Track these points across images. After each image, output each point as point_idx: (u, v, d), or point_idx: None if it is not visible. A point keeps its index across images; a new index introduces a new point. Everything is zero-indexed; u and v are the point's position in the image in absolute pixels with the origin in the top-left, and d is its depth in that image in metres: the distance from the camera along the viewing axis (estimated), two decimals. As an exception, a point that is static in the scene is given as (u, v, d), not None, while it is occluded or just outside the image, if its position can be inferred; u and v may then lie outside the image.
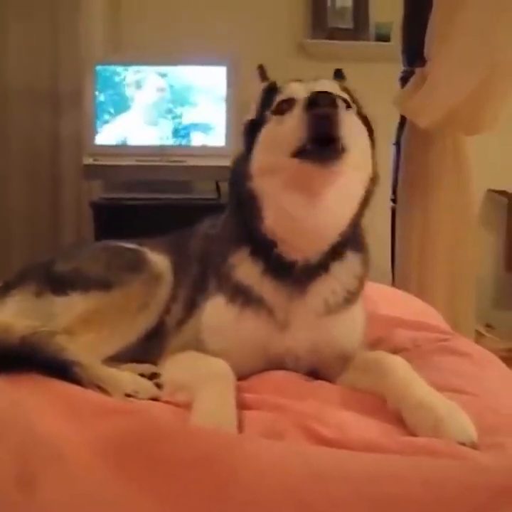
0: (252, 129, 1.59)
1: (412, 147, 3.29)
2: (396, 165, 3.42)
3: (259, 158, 1.53)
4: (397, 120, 3.45)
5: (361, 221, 1.63)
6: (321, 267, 1.57)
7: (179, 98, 4.09)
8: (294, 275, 1.56)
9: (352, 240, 1.60)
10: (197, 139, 4.06)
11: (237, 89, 3.92)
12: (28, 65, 4.41)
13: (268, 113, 1.55)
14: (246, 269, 1.60)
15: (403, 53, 3.39)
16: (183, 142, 4.07)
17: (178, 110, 4.09)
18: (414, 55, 3.24)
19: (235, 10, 4.45)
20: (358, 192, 1.53)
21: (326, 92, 1.39)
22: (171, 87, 4.09)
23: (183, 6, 4.41)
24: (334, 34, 4.58)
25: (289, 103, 1.49)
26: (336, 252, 1.57)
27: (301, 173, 1.44)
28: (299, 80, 1.58)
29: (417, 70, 3.19)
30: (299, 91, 1.50)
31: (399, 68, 3.48)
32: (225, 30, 4.30)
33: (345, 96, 1.53)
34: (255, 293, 1.58)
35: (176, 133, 4.08)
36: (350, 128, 1.42)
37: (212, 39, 4.22)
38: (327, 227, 1.53)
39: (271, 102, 1.57)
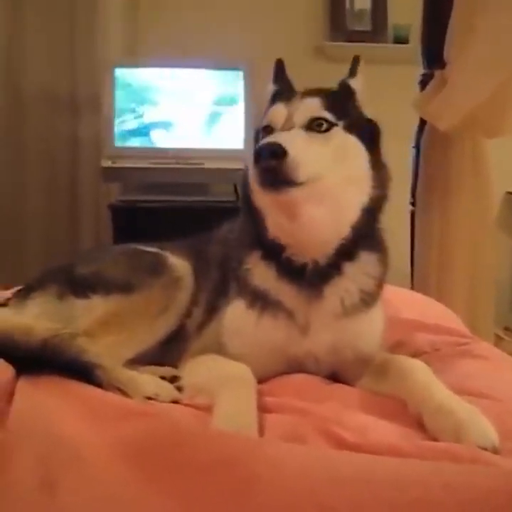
0: (256, 137, 1.63)
1: (432, 150, 3.27)
2: (415, 168, 3.40)
3: (252, 177, 1.54)
4: (416, 123, 3.43)
5: (377, 222, 1.63)
6: (333, 268, 1.58)
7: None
8: (308, 278, 1.57)
9: (367, 240, 1.60)
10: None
11: (254, 92, 3.92)
12: (46, 68, 4.43)
13: (259, 136, 1.59)
14: (261, 273, 1.62)
15: (422, 56, 3.37)
16: (201, 145, 4.08)
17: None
18: (434, 57, 3.23)
19: (253, 13, 4.45)
20: (352, 201, 1.54)
21: (273, 144, 1.40)
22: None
23: (201, 9, 4.42)
24: (352, 36, 4.58)
25: (267, 130, 1.56)
26: (347, 253, 1.58)
27: (269, 198, 1.49)
28: (289, 97, 1.60)
29: (437, 73, 3.18)
30: (278, 117, 1.55)
31: (417, 71, 3.46)
32: (243, 33, 4.30)
33: (326, 115, 1.52)
34: (273, 297, 1.60)
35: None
36: (319, 153, 1.47)
37: (230, 42, 4.23)
38: (323, 236, 1.55)
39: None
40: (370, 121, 1.62)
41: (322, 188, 1.47)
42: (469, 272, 3.26)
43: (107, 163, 4.00)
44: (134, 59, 4.40)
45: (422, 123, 3.36)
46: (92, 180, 4.41)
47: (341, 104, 1.59)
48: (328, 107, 1.54)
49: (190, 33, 4.31)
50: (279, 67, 1.77)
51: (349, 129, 1.54)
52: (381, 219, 1.65)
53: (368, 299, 1.62)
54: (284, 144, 1.39)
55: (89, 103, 4.33)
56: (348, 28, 4.63)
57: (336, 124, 1.53)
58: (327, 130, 1.51)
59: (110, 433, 1.18)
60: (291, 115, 1.53)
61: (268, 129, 1.56)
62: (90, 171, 4.40)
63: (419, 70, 3.44)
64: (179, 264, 1.80)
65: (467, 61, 2.87)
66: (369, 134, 1.59)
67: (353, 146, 1.54)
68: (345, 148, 1.53)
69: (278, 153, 1.39)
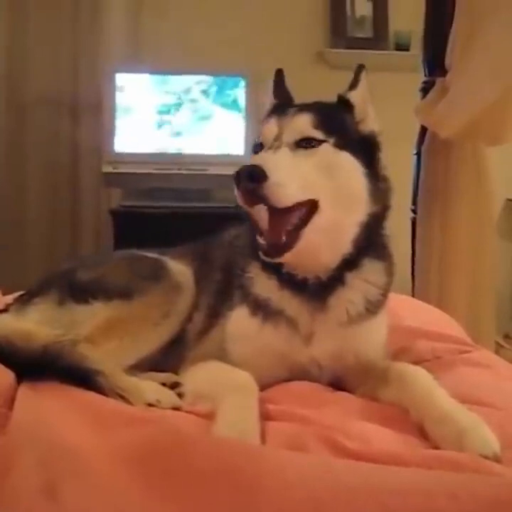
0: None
1: (433, 157, 3.27)
2: (416, 175, 3.40)
3: None
4: (417, 130, 3.43)
5: (380, 230, 1.63)
6: (335, 280, 1.57)
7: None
8: (311, 290, 1.57)
9: (370, 249, 1.60)
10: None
11: (256, 98, 3.92)
12: (48, 74, 4.44)
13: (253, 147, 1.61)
14: (262, 283, 1.63)
15: (424, 63, 3.38)
16: (203, 151, 4.08)
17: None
18: (435, 65, 3.23)
19: (255, 19, 4.46)
20: (349, 220, 1.53)
21: (253, 167, 1.40)
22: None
23: (203, 15, 4.42)
24: (354, 43, 4.58)
25: (258, 148, 1.57)
26: (349, 264, 1.57)
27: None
28: (284, 108, 1.60)
29: (438, 80, 3.18)
30: (269, 134, 1.55)
31: (418, 78, 3.47)
32: (245, 40, 4.31)
33: (315, 134, 1.51)
34: (275, 306, 1.60)
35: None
36: (306, 173, 1.46)
37: (232, 49, 4.23)
38: (322, 257, 1.55)
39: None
40: (368, 135, 1.61)
41: (322, 212, 1.48)
42: (470, 279, 3.25)
43: (107, 169, 4.00)
44: (136, 65, 4.40)
45: (423, 130, 3.36)
46: (93, 185, 4.41)
47: (333, 120, 1.57)
48: (318, 124, 1.53)
49: (193, 39, 4.31)
50: (279, 77, 1.77)
51: (341, 145, 1.52)
52: (385, 226, 1.66)
53: (373, 308, 1.62)
54: (265, 167, 1.39)
55: (91, 108, 4.33)
56: (349, 35, 4.64)
57: (326, 141, 1.51)
58: (315, 147, 1.50)
59: (112, 439, 1.18)
60: (281, 133, 1.53)
61: (259, 147, 1.56)
62: (91, 176, 4.40)
63: (421, 78, 3.44)
64: (180, 269, 1.81)
65: (469, 69, 2.87)
66: (366, 148, 1.57)
67: (345, 163, 1.52)
68: (336, 165, 1.51)
69: (258, 176, 1.38)
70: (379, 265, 1.64)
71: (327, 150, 1.51)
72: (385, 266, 1.65)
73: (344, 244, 1.55)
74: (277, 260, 1.49)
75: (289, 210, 1.44)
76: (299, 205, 1.45)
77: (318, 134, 1.51)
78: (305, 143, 1.50)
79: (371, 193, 1.54)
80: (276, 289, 1.60)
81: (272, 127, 1.55)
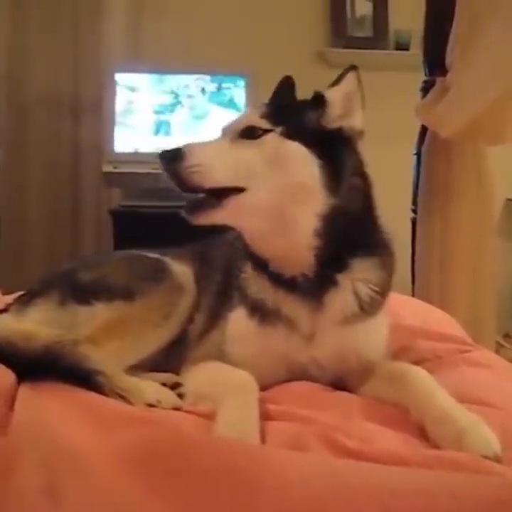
0: None
1: (433, 157, 3.27)
2: (417, 175, 3.40)
3: None
4: (417, 129, 3.43)
5: (366, 230, 1.62)
6: (327, 280, 1.57)
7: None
8: (304, 289, 1.57)
9: (359, 249, 1.59)
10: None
11: (256, 98, 3.92)
12: (48, 73, 4.44)
13: None
14: (256, 283, 1.63)
15: (424, 62, 3.38)
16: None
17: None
18: (435, 64, 3.23)
19: (255, 19, 4.47)
20: (299, 209, 1.51)
21: (173, 148, 1.48)
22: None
23: (204, 15, 4.43)
24: (354, 42, 4.59)
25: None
26: (335, 264, 1.57)
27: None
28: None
29: (438, 80, 3.18)
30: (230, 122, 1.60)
31: (418, 77, 3.47)
32: (245, 40, 4.32)
33: (261, 123, 1.52)
34: (271, 306, 1.60)
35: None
36: (245, 160, 1.49)
37: (232, 48, 4.24)
38: (280, 245, 1.55)
39: None
40: (335, 130, 1.58)
41: (253, 197, 1.49)
42: (470, 278, 3.25)
43: (107, 168, 4.00)
44: (136, 64, 4.40)
45: (424, 130, 3.36)
46: (94, 185, 4.42)
47: (286, 111, 1.58)
48: (266, 115, 1.54)
49: (193, 38, 4.31)
50: (288, 83, 1.78)
51: (290, 134, 1.52)
52: (377, 225, 1.65)
53: (369, 307, 1.61)
54: (184, 149, 1.45)
55: (91, 108, 4.34)
56: (349, 34, 4.65)
57: (272, 130, 1.51)
58: (259, 137, 1.51)
59: (112, 440, 1.18)
60: (231, 125, 1.56)
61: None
62: (92, 176, 4.41)
63: (421, 77, 3.44)
64: (181, 270, 1.81)
65: (469, 68, 2.86)
66: (329, 142, 1.55)
67: (294, 152, 1.51)
68: (283, 153, 1.50)
69: (174, 156, 1.45)
70: (371, 263, 1.62)
71: (273, 139, 1.51)
72: (378, 262, 1.63)
73: (303, 234, 1.52)
74: (200, 221, 1.55)
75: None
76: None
77: (264, 124, 1.52)
78: (250, 133, 1.52)
79: (328, 186, 1.51)
80: (270, 289, 1.60)
81: (233, 120, 1.60)
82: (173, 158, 1.45)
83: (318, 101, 1.60)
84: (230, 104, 4.09)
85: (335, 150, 1.55)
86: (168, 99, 4.10)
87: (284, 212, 1.50)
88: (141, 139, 4.09)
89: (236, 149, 1.50)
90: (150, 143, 4.08)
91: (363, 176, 1.61)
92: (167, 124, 4.11)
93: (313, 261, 1.55)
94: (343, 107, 1.60)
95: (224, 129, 1.60)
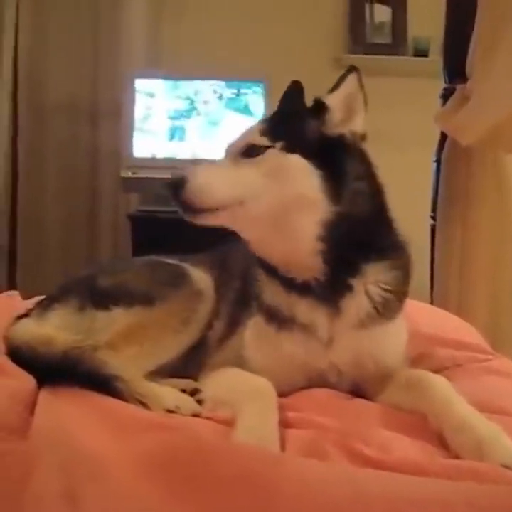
0: None
1: (453, 164, 3.25)
2: (436, 182, 3.39)
3: None
4: (437, 136, 3.42)
5: (378, 234, 1.61)
6: (340, 284, 1.57)
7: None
8: (318, 294, 1.57)
9: (372, 253, 1.59)
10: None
11: (274, 105, 3.92)
12: (67, 79, 4.49)
13: None
14: (269, 290, 1.63)
15: (444, 70, 3.36)
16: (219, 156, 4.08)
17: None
18: (456, 71, 3.21)
19: (274, 26, 4.48)
20: (301, 217, 1.51)
21: (175, 175, 1.51)
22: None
23: (222, 21, 4.45)
24: (372, 49, 4.59)
25: None
26: (348, 268, 1.57)
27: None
28: None
29: (459, 87, 3.16)
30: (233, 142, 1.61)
31: (437, 83, 3.45)
32: (264, 46, 4.33)
33: (260, 141, 1.53)
34: (286, 312, 1.60)
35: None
36: (245, 178, 1.51)
37: (251, 54, 4.25)
38: (292, 254, 1.56)
39: None
40: (336, 137, 1.58)
41: (253, 210, 1.50)
42: (490, 286, 3.23)
43: (126, 174, 4.02)
44: (155, 70, 4.42)
45: (443, 137, 3.34)
46: (112, 190, 4.44)
47: (285, 125, 1.59)
48: (265, 131, 1.55)
49: (212, 45, 4.33)
50: (296, 88, 1.76)
51: (289, 148, 1.52)
52: (395, 228, 1.64)
53: (386, 311, 1.61)
54: (186, 174, 1.48)
55: (110, 113, 4.37)
56: (368, 41, 4.65)
57: (272, 146, 1.52)
58: (259, 154, 1.52)
59: (132, 446, 1.18)
60: (233, 145, 1.59)
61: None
62: (110, 181, 4.43)
63: (440, 84, 3.43)
64: (200, 276, 1.81)
65: (490, 76, 2.84)
66: (330, 150, 1.55)
67: (294, 165, 1.51)
68: (282, 168, 1.51)
69: (177, 182, 1.48)
70: (386, 268, 1.61)
71: (273, 155, 1.52)
72: (395, 268, 1.63)
73: (305, 240, 1.53)
74: (193, 221, 1.53)
75: None
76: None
77: (264, 141, 1.53)
78: (250, 151, 1.53)
79: (330, 195, 1.50)
80: (283, 295, 1.60)
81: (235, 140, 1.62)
82: (176, 185, 1.49)
83: (319, 108, 1.60)
84: (247, 110, 4.10)
85: (336, 157, 1.55)
86: (185, 104, 4.12)
87: (284, 221, 1.51)
88: (159, 145, 4.11)
89: (237, 169, 1.53)
90: (168, 148, 4.10)
91: (370, 179, 1.61)
92: (183, 129, 4.12)
93: (323, 265, 1.55)
94: (345, 111, 1.60)
95: (227, 149, 1.62)
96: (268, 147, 1.52)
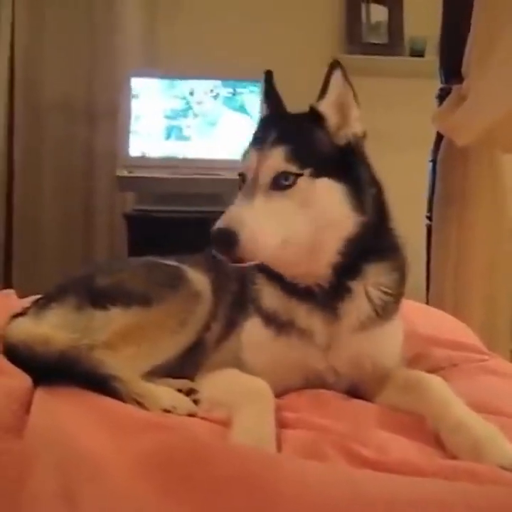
0: None
1: (449, 164, 3.26)
2: (432, 182, 3.39)
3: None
4: (432, 136, 3.42)
5: (380, 237, 1.61)
6: (341, 288, 1.57)
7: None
8: (319, 298, 1.57)
9: (372, 254, 1.59)
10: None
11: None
12: (63, 78, 4.47)
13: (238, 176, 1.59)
14: (269, 294, 1.64)
15: (440, 70, 3.37)
16: (218, 155, 4.09)
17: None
18: (452, 72, 3.22)
19: (269, 25, 4.47)
20: (329, 239, 1.52)
21: (225, 232, 1.40)
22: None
23: (218, 21, 4.44)
24: (369, 49, 4.58)
25: (242, 178, 1.55)
26: (348, 271, 1.57)
27: None
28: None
29: (455, 88, 3.17)
30: (249, 168, 1.53)
31: (433, 84, 3.46)
32: (259, 45, 4.32)
33: (290, 168, 1.48)
34: (284, 317, 1.60)
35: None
36: (283, 214, 1.46)
37: (246, 54, 4.24)
38: (308, 270, 1.55)
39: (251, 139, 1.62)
40: (345, 145, 1.57)
41: (294, 246, 1.48)
42: (486, 286, 3.24)
43: (122, 173, 4.01)
44: (151, 69, 4.41)
45: (439, 137, 3.35)
46: (108, 189, 4.43)
47: (308, 145, 1.54)
48: (292, 156, 1.49)
49: (208, 45, 4.33)
50: (269, 80, 1.71)
51: (317, 173, 1.49)
52: (392, 229, 1.65)
53: (384, 313, 1.61)
54: (236, 230, 1.39)
55: (106, 113, 4.36)
56: (364, 41, 4.64)
57: (301, 174, 1.48)
58: (291, 185, 1.48)
59: (129, 445, 1.18)
60: (259, 168, 1.50)
61: (242, 178, 1.55)
62: (106, 180, 4.42)
63: (436, 84, 3.43)
64: (198, 278, 1.81)
65: (486, 76, 2.85)
66: (345, 160, 1.54)
67: (324, 190, 1.50)
68: (314, 196, 1.49)
69: (229, 242, 1.39)
70: (382, 267, 1.62)
71: (303, 184, 1.48)
72: (391, 267, 1.64)
73: (329, 255, 1.54)
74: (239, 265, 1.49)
75: None
76: None
77: (293, 168, 1.48)
78: (282, 179, 1.48)
79: (355, 206, 1.51)
80: (283, 300, 1.61)
81: (251, 161, 1.53)
82: (228, 244, 1.39)
83: (317, 117, 1.58)
84: (243, 109, 4.10)
85: (349, 165, 1.55)
86: (181, 104, 4.11)
87: (313, 244, 1.50)
88: (155, 144, 4.10)
89: (274, 207, 1.46)
90: (164, 148, 4.10)
91: (374, 181, 1.61)
92: (180, 129, 4.12)
93: (331, 272, 1.56)
94: (339, 115, 1.58)
95: (245, 175, 1.54)
96: (298, 175, 1.49)
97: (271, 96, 1.71)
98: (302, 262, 1.53)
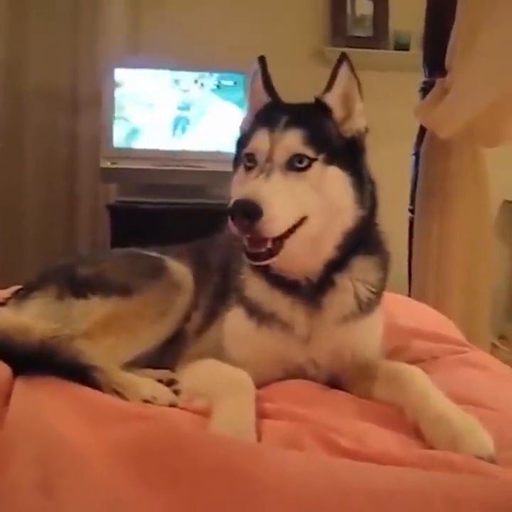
0: (238, 146, 1.65)
1: (431, 158, 3.27)
2: (415, 175, 3.40)
3: (232, 196, 1.53)
4: (416, 129, 3.43)
5: (369, 230, 1.62)
6: (326, 281, 1.58)
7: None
8: (303, 291, 1.58)
9: (358, 247, 1.60)
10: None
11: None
12: (47, 67, 4.43)
13: (242, 157, 1.57)
14: (254, 285, 1.63)
15: (424, 63, 3.37)
16: (201, 147, 4.08)
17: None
18: (435, 65, 3.22)
19: (255, 17, 4.46)
20: (333, 230, 1.53)
21: (248, 203, 1.38)
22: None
23: (202, 12, 4.42)
24: (353, 42, 4.58)
25: (251, 158, 1.53)
26: (336, 264, 1.57)
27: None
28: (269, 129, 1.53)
29: (438, 81, 3.18)
30: (261, 147, 1.51)
31: (418, 77, 3.46)
32: (244, 37, 4.30)
33: (306, 152, 1.49)
34: (267, 308, 1.60)
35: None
36: (298, 195, 1.45)
37: (231, 45, 4.23)
38: (305, 263, 1.55)
39: (256, 123, 1.60)
40: (351, 138, 1.59)
41: (312, 228, 1.48)
42: (466, 279, 3.25)
43: (105, 164, 3.99)
44: (135, 60, 4.39)
45: (422, 130, 3.35)
46: (91, 180, 4.40)
47: (321, 133, 1.55)
48: (308, 140, 1.50)
49: (192, 36, 4.31)
50: (265, 66, 1.68)
51: (329, 160, 1.51)
52: (377, 223, 1.66)
53: (367, 306, 1.62)
54: (259, 203, 1.37)
55: (89, 103, 4.33)
56: (349, 34, 4.65)
57: (316, 159, 1.49)
58: (306, 167, 1.48)
59: (108, 435, 1.18)
60: (273, 149, 1.49)
61: (251, 158, 1.53)
62: (89, 171, 4.39)
63: (420, 77, 3.44)
64: (179, 269, 1.81)
65: (469, 70, 2.86)
66: (350, 152, 1.56)
67: (334, 178, 1.51)
68: (326, 183, 1.50)
69: (253, 213, 1.37)
70: (370, 263, 1.64)
71: (317, 169, 1.49)
72: (377, 263, 1.65)
73: (329, 249, 1.55)
74: (262, 264, 1.50)
75: None
76: None
77: (309, 152, 1.49)
78: (296, 161, 1.48)
79: (357, 199, 1.53)
80: (267, 292, 1.61)
81: (264, 140, 1.52)
82: (250, 215, 1.37)
83: (324, 110, 1.59)
84: (227, 100, 4.09)
85: (354, 159, 1.56)
86: (166, 94, 4.09)
87: (317, 233, 1.50)
88: (139, 135, 4.08)
89: (291, 187, 1.46)
90: (148, 139, 4.08)
91: (372, 180, 1.62)
92: (167, 120, 4.10)
93: (322, 267, 1.56)
94: (344, 109, 1.60)
95: (255, 155, 1.52)
96: (312, 159, 1.49)
97: (269, 83, 1.68)
98: (303, 253, 1.52)
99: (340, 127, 1.59)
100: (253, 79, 1.69)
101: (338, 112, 1.59)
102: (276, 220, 1.39)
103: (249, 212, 1.37)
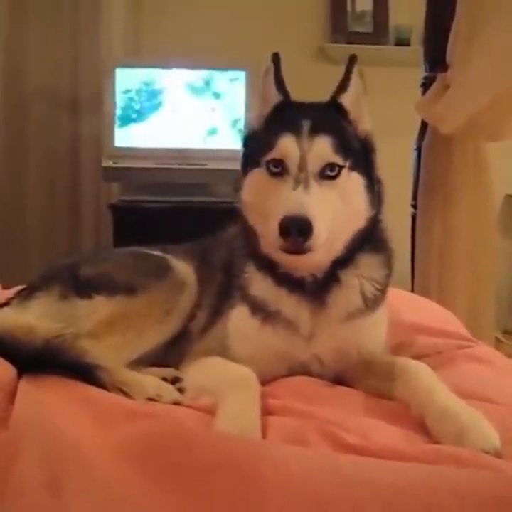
0: (248, 144, 1.64)
1: (433, 153, 3.26)
2: (417, 170, 3.39)
3: (247, 198, 1.55)
4: (417, 125, 3.42)
5: (375, 228, 1.62)
6: (331, 278, 1.58)
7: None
8: (309, 289, 1.58)
9: (364, 244, 1.60)
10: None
11: (255, 93, 3.90)
12: (48, 67, 4.43)
13: (262, 160, 1.53)
14: (258, 283, 1.63)
15: (424, 58, 3.36)
16: (203, 145, 4.08)
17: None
18: (436, 60, 3.21)
19: (255, 14, 4.46)
20: (347, 231, 1.53)
21: (301, 219, 1.37)
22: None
23: (203, 10, 4.42)
24: (354, 38, 4.58)
25: (278, 164, 1.49)
26: (342, 261, 1.58)
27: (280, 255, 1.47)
28: (295, 135, 1.50)
29: (439, 76, 3.17)
30: (291, 155, 1.48)
31: (418, 72, 3.46)
32: (245, 34, 4.31)
33: (337, 160, 1.48)
34: (272, 307, 1.60)
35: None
36: (331, 205, 1.45)
37: (232, 42, 4.23)
38: (316, 262, 1.53)
39: (275, 124, 1.56)
40: (364, 139, 1.59)
41: (332, 234, 1.47)
42: (470, 274, 3.25)
43: (107, 163, 3.99)
44: (136, 59, 4.40)
45: (424, 126, 3.35)
46: (93, 179, 4.41)
47: (346, 139, 1.54)
48: (337, 148, 1.49)
49: (193, 33, 4.31)
50: (278, 64, 1.65)
51: (353, 166, 1.51)
52: (382, 220, 1.65)
53: (372, 303, 1.62)
54: (311, 219, 1.37)
55: (91, 102, 4.33)
56: (350, 30, 4.64)
57: (344, 166, 1.49)
58: (336, 176, 1.48)
59: (114, 434, 1.18)
60: (304, 158, 1.46)
61: (279, 165, 1.49)
62: (91, 171, 4.40)
63: (421, 73, 3.43)
64: (183, 267, 1.81)
65: (470, 64, 2.86)
66: (364, 154, 1.57)
67: (356, 184, 1.52)
68: (350, 189, 1.51)
69: (308, 231, 1.37)
70: (375, 260, 1.64)
71: (345, 176, 1.49)
72: (382, 260, 1.66)
73: (339, 248, 1.55)
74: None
75: None
76: None
77: (339, 160, 1.48)
78: (328, 170, 1.47)
79: (370, 201, 1.54)
80: (272, 290, 1.60)
81: (292, 149, 1.48)
82: (304, 232, 1.37)
83: (339, 109, 1.59)
84: (229, 99, 4.08)
85: (366, 161, 1.57)
86: (167, 94, 4.09)
87: (332, 234, 1.48)
88: (141, 134, 4.08)
89: (327, 198, 1.45)
90: (150, 138, 4.08)
91: (379, 183, 1.61)
92: (168, 118, 4.10)
93: (328, 265, 1.56)
94: (356, 111, 1.60)
95: (285, 163, 1.48)
96: (341, 167, 1.49)
97: (281, 81, 1.65)
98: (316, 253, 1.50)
99: (356, 129, 1.59)
100: (265, 76, 1.66)
101: (352, 113, 1.59)
102: (322, 234, 1.40)
103: (305, 230, 1.37)
